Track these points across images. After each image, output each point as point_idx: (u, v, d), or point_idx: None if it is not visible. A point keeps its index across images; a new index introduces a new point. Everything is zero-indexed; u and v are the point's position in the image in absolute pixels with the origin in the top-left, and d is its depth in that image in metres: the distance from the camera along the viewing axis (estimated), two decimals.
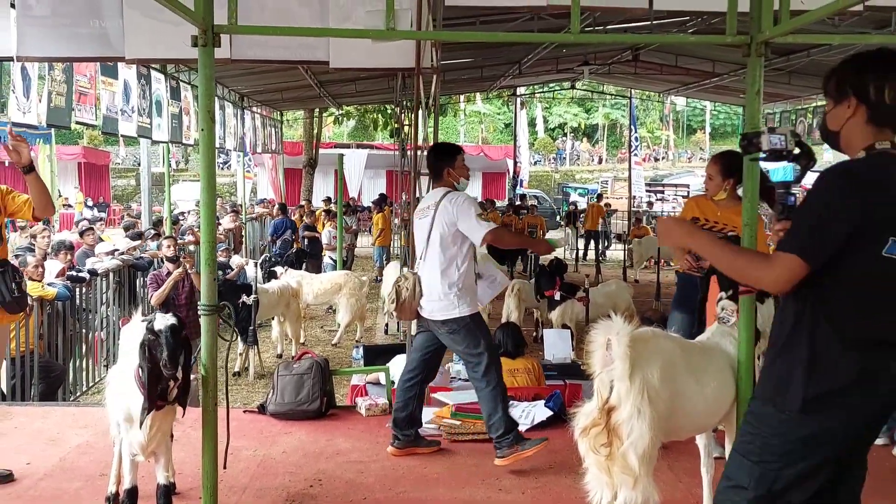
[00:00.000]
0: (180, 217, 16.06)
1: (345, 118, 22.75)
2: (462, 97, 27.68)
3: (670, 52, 14.71)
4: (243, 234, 15.34)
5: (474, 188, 28.25)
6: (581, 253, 18.14)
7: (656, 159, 44.60)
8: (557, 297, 9.24)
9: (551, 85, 24.34)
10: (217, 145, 13.37)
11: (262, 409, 5.24)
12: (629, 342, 3.01)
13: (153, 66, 10.28)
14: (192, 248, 11.03)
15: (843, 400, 2.03)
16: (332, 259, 13.12)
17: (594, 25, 10.43)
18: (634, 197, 23.58)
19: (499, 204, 23.60)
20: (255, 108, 16.37)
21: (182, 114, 11.95)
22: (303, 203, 18.04)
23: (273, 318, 9.73)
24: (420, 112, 7.08)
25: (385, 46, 5.12)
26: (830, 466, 2.09)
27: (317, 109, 20.71)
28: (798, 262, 2.04)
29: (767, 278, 2.12)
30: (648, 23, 10.05)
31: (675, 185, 31.03)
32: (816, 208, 2.07)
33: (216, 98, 12.37)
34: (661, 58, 15.16)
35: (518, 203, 20.35)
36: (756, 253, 2.58)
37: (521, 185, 28.40)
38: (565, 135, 48.23)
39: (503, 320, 9.95)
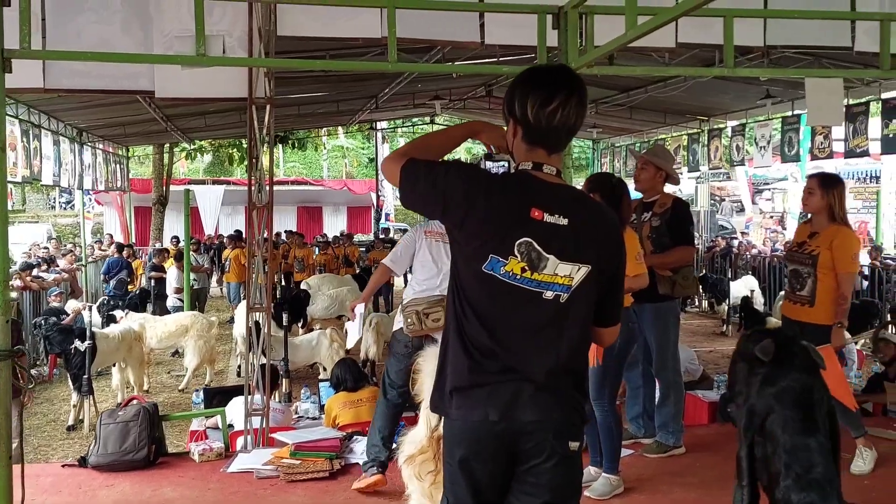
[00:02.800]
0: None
1: (198, 153, 22.04)
2: (324, 131, 27.44)
3: None
4: (84, 276, 14.42)
5: (339, 223, 28.00)
6: None
7: None
8: None
9: (414, 119, 24.57)
10: (51, 182, 12.63)
11: (82, 461, 4.86)
12: None
13: None
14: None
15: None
16: (179, 300, 12.55)
17: (443, 60, 10.58)
18: None
19: (363, 238, 23.52)
20: (97, 144, 15.55)
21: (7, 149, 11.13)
22: (168, 247, 17.13)
23: (114, 365, 9.14)
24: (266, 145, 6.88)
25: (213, 75, 4.93)
26: (478, 465, 2.07)
27: (167, 144, 19.95)
28: None
29: None
30: (495, 58, 10.29)
31: None
32: None
33: (49, 132, 11.80)
34: None
35: (382, 237, 20.34)
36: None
37: (388, 219, 28.39)
38: None
39: (361, 356, 9.84)
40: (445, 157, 2.28)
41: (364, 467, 4.48)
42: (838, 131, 12.19)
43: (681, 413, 5.23)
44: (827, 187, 4.70)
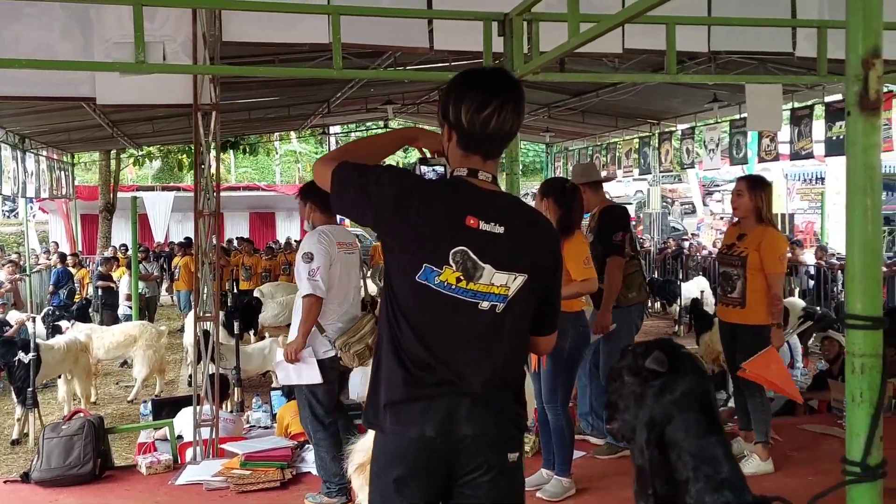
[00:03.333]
0: None
1: (146, 159, 21.63)
2: (276, 135, 27.19)
3: None
4: (27, 287, 14.04)
5: (293, 229, 27.77)
6: None
7: None
8: None
9: (368, 124, 24.44)
10: None
11: (25, 477, 4.72)
12: None
13: None
14: None
15: None
16: (129, 308, 12.30)
17: (395, 65, 10.56)
18: None
19: None
20: (40, 151, 15.17)
21: None
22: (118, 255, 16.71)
23: (60, 377, 8.91)
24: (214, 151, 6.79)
25: (157, 81, 4.85)
26: (415, 484, 2.00)
27: (114, 150, 19.55)
28: None
29: None
30: (447, 63, 10.30)
31: None
32: None
33: None
34: None
35: None
36: None
37: (342, 224, 28.21)
38: None
39: None
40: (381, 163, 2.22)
41: (329, 494, 4.32)
42: (784, 134, 12.47)
43: None
44: (754, 189, 4.77)
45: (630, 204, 34.38)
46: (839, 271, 12.60)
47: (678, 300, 13.86)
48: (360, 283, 4.60)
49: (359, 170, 2.03)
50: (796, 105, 11.83)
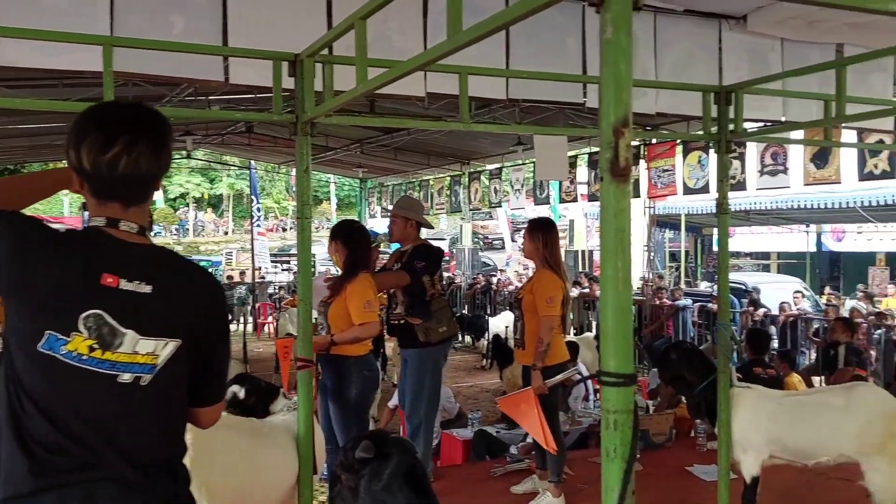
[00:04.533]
0: None
1: None
2: (64, 163, 25.38)
3: (283, 126, 14.91)
4: None
5: None
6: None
7: (284, 229, 45.17)
8: None
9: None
10: None
11: None
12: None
13: None
14: None
15: None
16: None
17: (196, 95, 10.18)
18: (259, 268, 23.44)
19: None
20: None
21: None
22: None
23: None
24: None
25: None
26: None
27: None
28: None
29: None
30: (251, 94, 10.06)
31: None
32: None
33: None
34: (275, 130, 15.35)
35: None
36: None
37: None
38: (188, 205, 46.76)
39: None
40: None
41: None
42: (582, 175, 13.28)
43: (429, 455, 5.36)
44: (532, 232, 4.96)
45: (443, 240, 35.32)
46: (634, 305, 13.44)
47: (486, 335, 14.23)
48: None
49: None
50: (593, 150, 12.62)
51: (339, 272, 4.66)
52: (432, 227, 6.01)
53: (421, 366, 5.22)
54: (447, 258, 31.33)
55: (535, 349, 4.69)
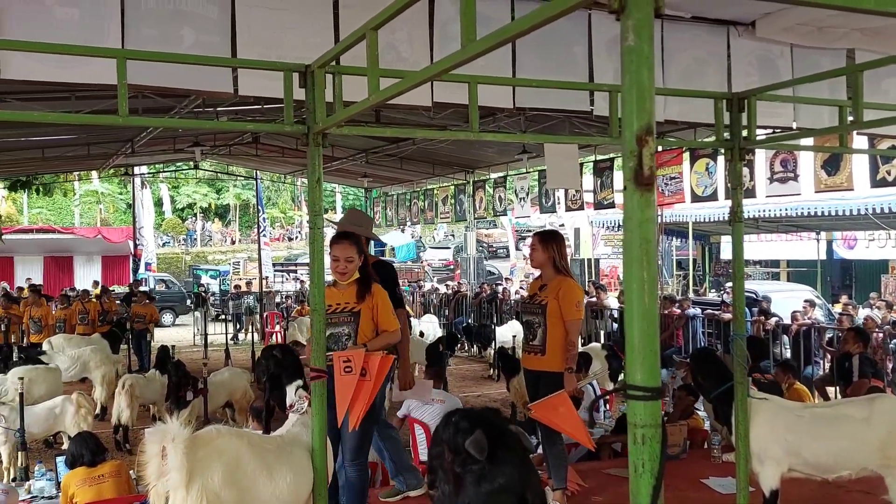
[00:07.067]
0: None
1: None
2: (76, 175, 25.46)
3: (291, 136, 14.93)
4: None
5: (93, 273, 25.90)
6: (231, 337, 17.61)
7: (290, 239, 45.17)
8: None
9: (178, 164, 23.43)
10: None
11: None
12: (186, 448, 2.74)
13: None
14: None
15: None
16: None
17: (204, 107, 10.19)
18: (266, 277, 23.45)
19: (119, 289, 21.88)
20: None
21: None
22: None
23: None
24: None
25: None
26: None
27: None
28: None
29: None
30: (259, 106, 10.06)
31: (308, 265, 31.58)
32: None
33: None
34: (282, 141, 15.36)
35: (140, 289, 18.99)
36: None
37: (149, 269, 26.69)
38: (195, 215, 46.81)
39: (113, 420, 9.01)
40: None
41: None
42: (588, 184, 13.24)
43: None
44: (545, 243, 5.08)
45: (448, 248, 35.26)
46: None
47: (492, 344, 14.17)
48: None
49: None
50: (599, 157, 12.58)
51: (336, 275, 4.69)
52: (374, 238, 5.97)
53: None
54: (451, 266, 31.30)
55: (564, 353, 4.83)
